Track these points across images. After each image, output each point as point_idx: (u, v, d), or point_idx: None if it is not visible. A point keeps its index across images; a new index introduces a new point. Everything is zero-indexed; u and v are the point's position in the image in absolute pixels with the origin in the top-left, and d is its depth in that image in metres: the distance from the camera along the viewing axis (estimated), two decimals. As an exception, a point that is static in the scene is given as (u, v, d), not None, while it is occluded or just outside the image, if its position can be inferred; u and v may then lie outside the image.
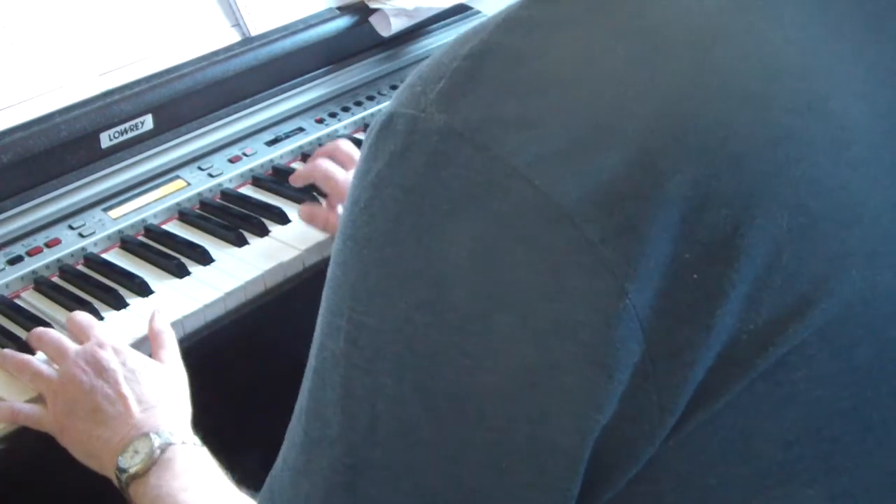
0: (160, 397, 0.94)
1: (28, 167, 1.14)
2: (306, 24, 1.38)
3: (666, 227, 0.49)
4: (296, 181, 1.25)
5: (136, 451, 0.88)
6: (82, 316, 1.04)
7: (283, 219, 1.23)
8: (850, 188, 0.53)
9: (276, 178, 1.32)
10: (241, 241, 1.20)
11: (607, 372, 0.50)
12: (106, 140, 1.21)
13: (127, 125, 1.22)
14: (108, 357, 0.96)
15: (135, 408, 0.92)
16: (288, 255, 1.18)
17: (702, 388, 0.51)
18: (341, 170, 1.20)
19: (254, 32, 1.34)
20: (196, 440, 0.91)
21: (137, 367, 0.96)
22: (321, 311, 0.56)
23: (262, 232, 1.21)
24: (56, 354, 0.99)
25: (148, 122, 1.24)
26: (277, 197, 1.28)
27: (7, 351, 1.01)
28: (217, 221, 1.23)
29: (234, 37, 1.33)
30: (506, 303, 0.50)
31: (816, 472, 0.55)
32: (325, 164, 1.21)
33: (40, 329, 1.03)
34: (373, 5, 1.43)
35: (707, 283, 0.50)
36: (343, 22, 1.41)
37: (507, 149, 0.49)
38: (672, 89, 0.50)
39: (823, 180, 0.52)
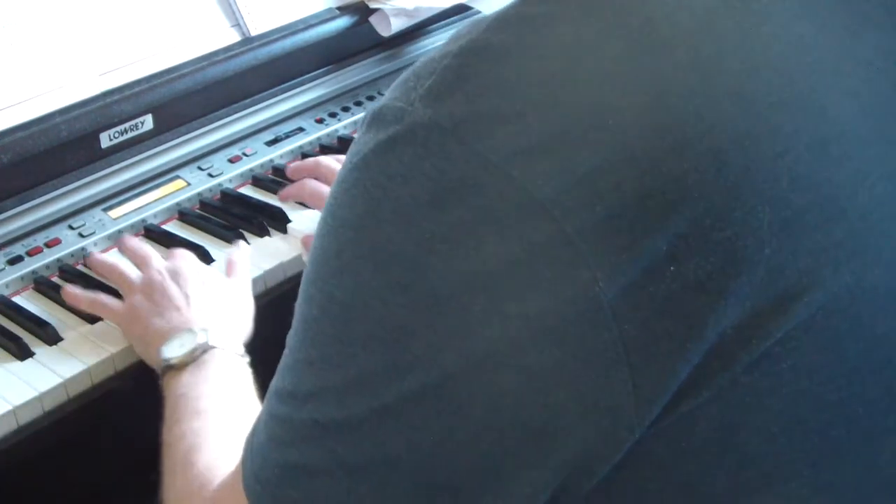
0: (221, 307, 1.02)
1: (28, 167, 1.14)
2: (306, 24, 1.38)
3: (643, 221, 0.50)
4: (285, 199, 1.26)
5: (182, 345, 0.94)
6: (173, 249, 1.12)
7: (283, 219, 1.23)
8: (835, 182, 0.53)
9: (276, 178, 1.31)
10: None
11: (576, 358, 0.51)
12: (106, 140, 1.21)
13: (127, 125, 1.22)
14: (186, 267, 1.06)
15: (194, 307, 1.00)
16: (288, 255, 1.18)
17: (686, 381, 0.52)
18: (327, 187, 1.20)
19: (254, 32, 1.34)
20: (241, 350, 0.96)
21: (211, 281, 1.05)
22: (303, 278, 0.59)
23: (262, 232, 1.21)
24: (140, 262, 1.08)
25: (148, 122, 1.24)
26: (277, 197, 1.28)
27: (97, 254, 1.14)
28: (217, 221, 1.23)
29: (234, 37, 1.33)
30: (478, 289, 0.51)
31: (801, 465, 0.56)
32: (311, 184, 1.22)
33: (133, 243, 1.12)
34: (373, 5, 1.43)
35: (685, 275, 0.51)
36: (343, 22, 1.41)
37: (487, 143, 0.51)
38: (654, 86, 0.52)
39: (807, 175, 0.52)
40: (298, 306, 0.59)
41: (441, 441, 0.54)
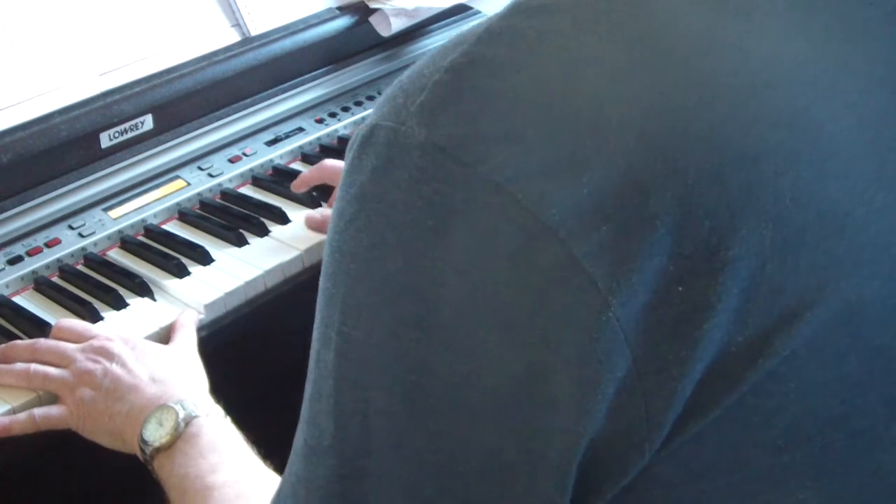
0: (173, 371, 0.97)
1: (28, 167, 1.14)
2: (306, 24, 1.38)
3: (650, 242, 0.49)
4: (299, 187, 1.25)
5: (161, 424, 0.90)
6: (75, 322, 1.05)
7: (283, 219, 1.23)
8: (834, 198, 0.53)
9: (276, 178, 1.32)
10: (241, 241, 1.20)
11: (592, 386, 0.50)
12: (106, 140, 1.21)
13: (127, 125, 1.22)
14: (114, 345, 0.99)
15: (149, 381, 0.95)
16: (288, 255, 1.18)
17: (692, 402, 0.52)
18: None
19: (254, 32, 1.34)
20: (219, 410, 0.93)
21: (146, 349, 1.00)
22: (316, 320, 0.56)
23: (262, 232, 1.21)
24: (59, 359, 1.00)
25: (148, 122, 1.24)
26: (277, 197, 1.28)
27: (2, 366, 1.01)
28: (217, 221, 1.23)
29: (234, 37, 1.33)
30: (491, 319, 0.50)
31: (806, 477, 0.55)
32: (330, 162, 1.22)
33: (33, 341, 1.02)
34: (373, 5, 1.43)
35: (693, 296, 0.50)
36: (343, 22, 1.41)
37: (489, 165, 0.49)
38: (655, 105, 0.50)
39: (807, 192, 0.52)
40: (313, 352, 0.57)
41: (469, 479, 0.53)
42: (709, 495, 0.55)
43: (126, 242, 1.20)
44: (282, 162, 1.34)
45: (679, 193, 0.49)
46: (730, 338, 0.51)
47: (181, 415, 0.90)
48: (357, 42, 1.46)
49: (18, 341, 1.04)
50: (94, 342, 1.00)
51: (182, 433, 0.89)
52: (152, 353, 0.99)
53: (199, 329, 1.09)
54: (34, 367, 1.00)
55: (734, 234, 0.50)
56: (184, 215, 1.25)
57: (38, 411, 0.97)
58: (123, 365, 0.97)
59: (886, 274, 0.55)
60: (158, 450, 0.89)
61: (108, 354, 0.98)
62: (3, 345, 1.03)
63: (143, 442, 0.90)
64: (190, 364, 1.00)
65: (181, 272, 1.14)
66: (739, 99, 0.51)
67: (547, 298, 0.49)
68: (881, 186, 0.55)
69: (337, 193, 0.55)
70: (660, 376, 0.50)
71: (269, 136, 1.36)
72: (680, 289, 0.49)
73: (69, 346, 1.01)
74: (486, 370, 0.50)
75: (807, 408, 0.54)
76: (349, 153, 0.54)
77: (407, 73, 0.54)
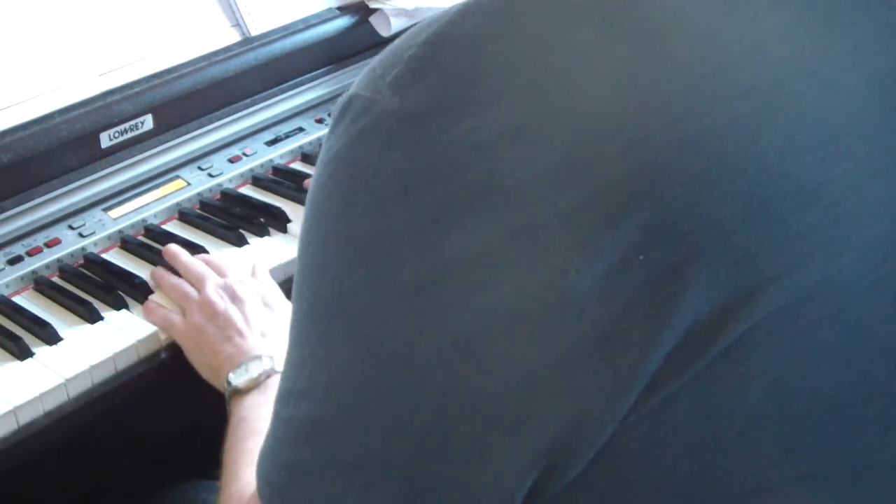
0: (279, 328, 1.03)
1: (28, 167, 1.14)
2: (306, 24, 1.38)
3: (611, 211, 0.50)
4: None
5: (247, 371, 0.97)
6: (223, 259, 1.14)
7: (283, 219, 1.23)
8: (801, 174, 0.53)
9: (276, 178, 1.32)
10: (241, 241, 1.20)
11: (549, 350, 0.51)
12: (106, 140, 1.21)
13: (127, 125, 1.22)
14: (244, 289, 1.07)
15: (257, 332, 1.02)
16: (288, 255, 1.18)
17: (661, 369, 0.52)
18: None
19: (254, 32, 1.34)
20: None
21: (270, 302, 1.07)
22: (295, 272, 0.60)
23: (262, 232, 1.21)
24: (198, 282, 1.09)
25: (148, 122, 1.24)
26: (277, 197, 1.28)
27: (161, 270, 1.13)
28: (217, 221, 1.23)
29: (234, 37, 1.33)
30: (449, 279, 0.52)
31: (780, 454, 0.56)
32: None
33: (187, 260, 1.12)
34: (373, 5, 1.43)
35: (654, 264, 0.51)
36: (343, 22, 1.41)
37: (453, 132, 0.51)
38: (618, 78, 0.52)
39: (773, 166, 0.53)
40: (293, 303, 0.60)
41: (422, 435, 0.54)
42: (680, 467, 0.55)
43: (126, 242, 1.20)
44: (282, 162, 1.34)
45: (639, 165, 0.50)
46: (697, 307, 0.52)
47: (267, 366, 0.96)
48: (357, 42, 1.46)
49: (183, 253, 1.14)
50: (229, 279, 1.08)
51: (260, 383, 0.95)
52: (273, 307, 1.06)
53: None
54: (183, 282, 1.10)
55: (697, 204, 0.51)
56: (184, 215, 1.25)
57: (169, 313, 1.07)
58: (242, 311, 1.04)
59: (857, 251, 0.56)
60: (236, 391, 0.96)
61: (234, 295, 1.06)
62: (170, 246, 1.15)
63: (227, 382, 0.96)
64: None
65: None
66: (706, 72, 0.52)
67: (505, 264, 0.51)
68: (854, 164, 0.55)
69: (318, 158, 0.58)
70: (623, 342, 0.51)
71: (269, 136, 1.36)
72: (641, 257, 0.51)
73: (208, 274, 1.10)
74: (441, 328, 0.52)
75: (777, 379, 0.54)
76: (331, 121, 0.57)
77: (387, 47, 0.57)
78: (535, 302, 0.51)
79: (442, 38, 0.54)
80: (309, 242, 0.57)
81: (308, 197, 0.58)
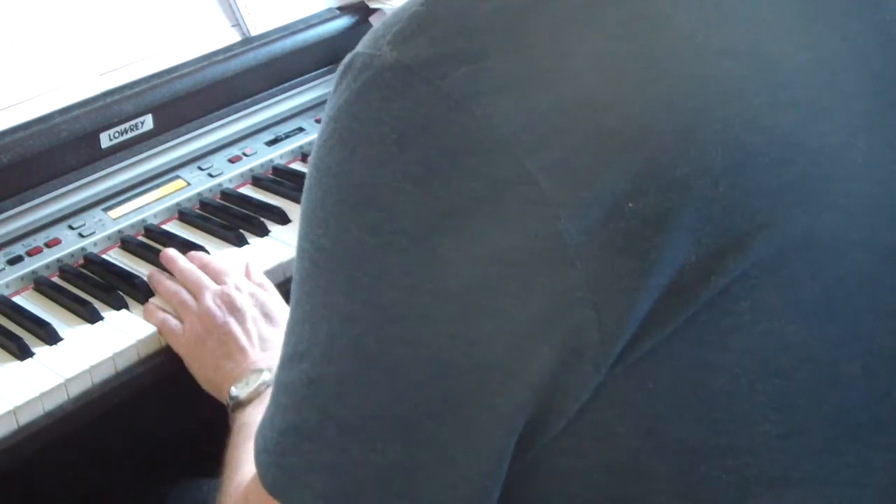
0: (277, 338, 1.01)
1: (28, 167, 1.14)
2: (306, 24, 1.38)
3: (601, 159, 0.52)
4: None
5: (248, 384, 0.97)
6: (219, 262, 1.13)
7: (283, 219, 1.23)
8: (785, 127, 0.55)
9: (276, 178, 1.32)
10: (241, 241, 1.20)
11: (540, 296, 0.53)
12: (106, 140, 1.21)
13: (127, 125, 1.22)
14: (242, 298, 1.06)
15: (257, 346, 1.01)
16: (288, 255, 1.18)
17: (648, 317, 0.54)
18: None
19: (254, 32, 1.34)
20: None
21: (268, 311, 1.06)
22: (297, 236, 0.60)
23: (262, 232, 1.21)
24: (195, 290, 1.08)
25: (148, 122, 1.24)
26: (277, 197, 1.28)
27: (158, 274, 1.12)
28: (217, 221, 1.23)
29: (234, 37, 1.33)
30: (446, 227, 0.53)
31: (767, 409, 0.57)
32: None
33: (184, 266, 1.11)
34: (373, 5, 1.43)
35: (643, 212, 0.52)
36: (343, 22, 1.41)
37: (449, 82, 0.53)
38: (609, 33, 0.54)
39: (757, 119, 0.55)
40: (295, 266, 0.60)
41: (421, 386, 0.55)
42: (668, 422, 0.56)
43: (126, 242, 1.20)
44: (282, 162, 1.34)
45: (630, 114, 0.52)
46: (685, 255, 0.53)
47: (267, 379, 0.96)
48: (357, 42, 1.45)
49: (180, 258, 1.12)
50: (226, 288, 1.07)
51: (261, 392, 0.96)
52: (272, 317, 1.05)
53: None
54: (180, 289, 1.09)
55: (684, 154, 0.52)
56: (184, 215, 1.25)
57: (169, 318, 1.06)
58: (242, 323, 1.03)
59: (842, 206, 0.57)
60: (238, 403, 0.96)
61: (232, 306, 1.04)
62: (167, 250, 1.14)
63: (230, 396, 0.97)
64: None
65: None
66: (691, 29, 0.54)
67: (499, 209, 0.52)
68: (837, 122, 0.57)
69: (323, 116, 0.59)
70: (612, 290, 0.53)
71: (269, 136, 1.36)
72: (630, 205, 0.52)
73: (205, 281, 1.09)
74: (438, 277, 0.53)
75: (763, 332, 0.56)
76: (335, 79, 0.59)
77: (392, 11, 0.58)
78: (530, 249, 0.52)
79: None
80: (311, 199, 0.58)
81: (311, 156, 0.59)
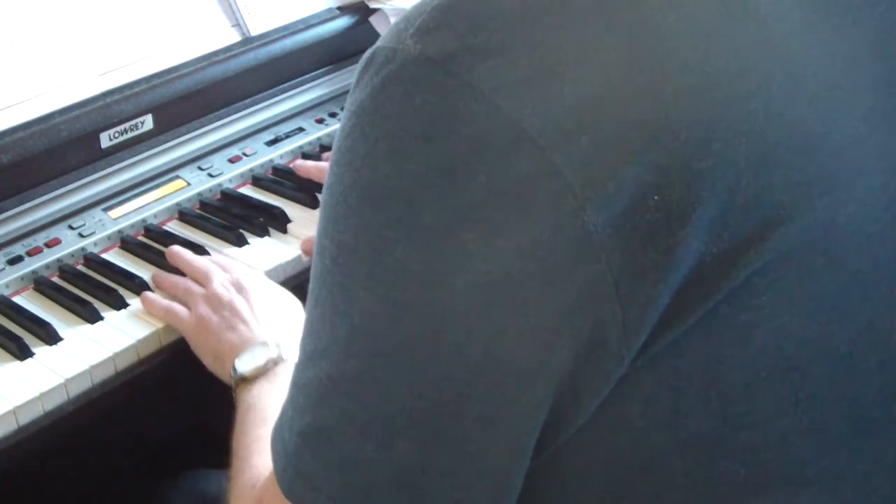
0: (284, 316, 1.04)
1: (28, 167, 1.14)
2: (306, 24, 1.38)
3: (627, 152, 0.52)
4: (299, 168, 1.29)
5: (254, 358, 0.96)
6: (223, 259, 1.14)
7: (283, 219, 1.23)
8: (807, 120, 0.55)
9: (276, 178, 1.32)
10: (241, 241, 1.20)
11: (566, 289, 0.53)
12: (106, 140, 1.21)
13: (127, 125, 1.22)
14: (250, 281, 1.08)
15: (263, 321, 1.02)
16: (288, 255, 1.18)
17: (668, 310, 0.54)
18: None
19: (254, 32, 1.34)
20: None
21: (276, 293, 1.07)
22: (316, 234, 0.60)
23: (262, 232, 1.21)
24: (203, 278, 1.09)
25: (148, 122, 1.24)
26: (277, 197, 1.28)
27: (162, 273, 1.13)
28: (217, 221, 1.23)
29: (234, 37, 1.33)
30: (470, 221, 0.53)
31: (785, 403, 0.57)
32: None
33: (191, 258, 1.13)
34: (373, 5, 1.43)
35: (668, 205, 0.52)
36: (343, 22, 1.41)
37: (475, 75, 0.52)
38: (635, 26, 0.53)
39: (780, 112, 0.55)
40: (313, 266, 0.60)
41: (441, 383, 0.54)
42: (687, 417, 0.56)
43: (126, 242, 1.20)
44: (282, 162, 1.34)
45: (654, 106, 0.52)
46: (706, 247, 0.53)
47: (273, 355, 0.96)
48: (357, 42, 1.46)
49: (187, 252, 1.14)
50: (233, 274, 1.09)
51: (268, 370, 0.95)
52: (274, 298, 1.06)
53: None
54: (185, 279, 1.10)
55: (708, 146, 0.52)
56: (184, 215, 1.25)
57: (173, 304, 1.07)
58: (248, 300, 1.04)
59: (860, 199, 0.57)
60: (243, 378, 0.95)
61: (239, 287, 1.06)
62: (173, 247, 1.15)
63: (234, 369, 0.96)
64: (294, 311, 1.06)
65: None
66: (714, 23, 0.54)
67: (523, 203, 0.52)
68: (854, 116, 0.58)
69: (344, 111, 0.58)
70: (636, 282, 0.53)
71: (269, 136, 1.36)
72: (656, 198, 0.52)
73: (214, 269, 1.10)
74: (461, 271, 0.53)
75: (781, 326, 0.56)
76: (356, 74, 0.57)
77: (411, 6, 0.57)
78: (555, 242, 0.52)
79: None
80: (332, 194, 0.57)
81: (332, 151, 0.58)
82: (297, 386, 0.60)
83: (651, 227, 0.52)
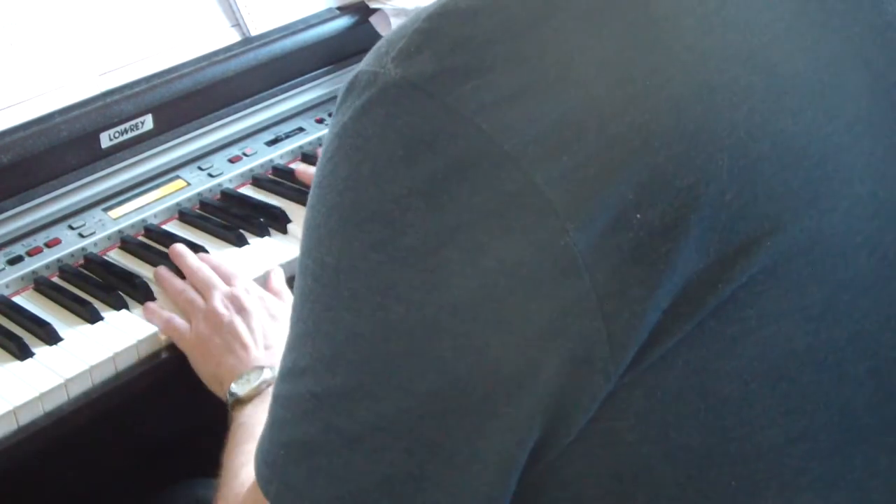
0: (281, 339, 1.02)
1: (28, 167, 1.14)
2: (306, 24, 1.38)
3: (607, 170, 0.52)
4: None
5: (249, 381, 0.98)
6: (230, 265, 1.14)
7: (283, 219, 1.23)
8: (789, 132, 0.55)
9: (276, 178, 1.32)
10: (241, 241, 1.20)
11: (549, 307, 0.53)
12: (106, 140, 1.21)
13: (127, 125, 1.22)
14: (250, 300, 1.07)
15: (260, 344, 1.03)
16: (288, 255, 1.18)
17: (656, 326, 0.54)
18: None
19: (254, 32, 1.34)
20: None
21: (275, 314, 1.07)
22: (299, 252, 0.60)
23: (262, 232, 1.21)
24: (204, 289, 1.09)
25: (148, 122, 1.24)
26: (277, 197, 1.28)
27: (165, 270, 1.13)
28: (217, 221, 1.23)
29: (234, 37, 1.33)
30: (454, 242, 0.53)
31: (775, 413, 0.57)
32: None
33: (194, 264, 1.12)
34: (373, 5, 1.43)
35: (651, 222, 0.52)
36: (343, 22, 1.41)
37: (455, 96, 0.53)
38: (614, 41, 0.54)
39: (762, 125, 0.55)
40: (296, 283, 0.60)
41: (428, 399, 0.55)
42: (677, 430, 0.56)
43: (126, 242, 1.20)
44: (282, 162, 1.34)
45: (636, 123, 0.52)
46: (692, 264, 0.53)
47: (268, 377, 0.97)
48: (357, 42, 1.46)
49: (190, 255, 1.13)
50: (234, 289, 1.08)
51: (261, 391, 0.96)
52: (277, 318, 1.06)
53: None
54: (187, 287, 1.10)
55: (690, 162, 0.52)
56: (184, 215, 1.25)
57: (174, 317, 1.07)
58: (248, 323, 1.04)
59: (845, 209, 0.57)
60: (238, 400, 0.97)
61: (239, 306, 1.06)
62: (176, 246, 1.14)
63: (230, 393, 0.98)
64: None
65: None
66: (695, 36, 0.54)
67: (506, 222, 0.52)
68: (839, 125, 0.57)
69: (326, 134, 0.59)
70: (621, 300, 0.53)
71: (269, 136, 1.36)
72: (639, 216, 0.52)
73: (215, 281, 1.09)
74: (445, 290, 0.53)
75: (769, 337, 0.56)
76: (339, 97, 0.58)
77: (393, 29, 0.58)
78: (538, 261, 0.52)
79: (445, 12, 0.55)
80: (315, 215, 0.58)
81: (315, 173, 0.58)
82: (278, 399, 0.61)
83: (635, 245, 0.52)
